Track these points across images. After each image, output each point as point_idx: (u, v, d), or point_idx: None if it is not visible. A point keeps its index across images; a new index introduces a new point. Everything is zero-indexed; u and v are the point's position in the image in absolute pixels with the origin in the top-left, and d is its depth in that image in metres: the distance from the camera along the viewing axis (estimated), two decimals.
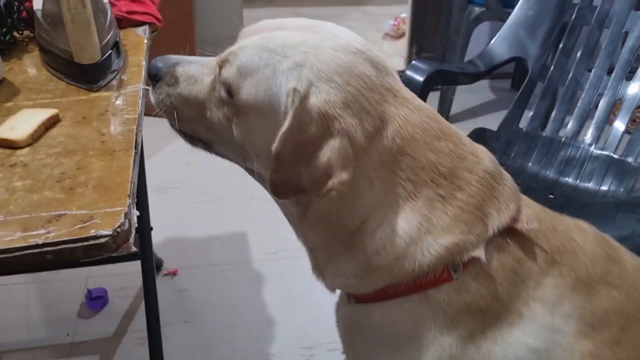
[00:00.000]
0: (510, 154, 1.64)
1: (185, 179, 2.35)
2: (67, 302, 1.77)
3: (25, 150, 0.85)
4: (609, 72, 1.62)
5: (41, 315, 1.74)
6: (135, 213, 0.73)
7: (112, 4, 1.22)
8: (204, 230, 2.09)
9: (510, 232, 0.76)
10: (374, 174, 0.72)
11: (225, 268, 1.94)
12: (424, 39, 3.15)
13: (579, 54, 1.67)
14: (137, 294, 1.79)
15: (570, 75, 1.66)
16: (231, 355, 1.63)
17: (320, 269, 0.82)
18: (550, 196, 1.53)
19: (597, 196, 1.51)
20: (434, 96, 2.81)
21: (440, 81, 1.97)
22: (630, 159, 1.52)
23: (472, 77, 1.72)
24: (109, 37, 1.09)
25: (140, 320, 1.66)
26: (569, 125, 1.64)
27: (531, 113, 1.69)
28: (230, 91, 0.76)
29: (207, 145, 0.85)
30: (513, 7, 1.77)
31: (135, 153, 0.85)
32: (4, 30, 1.15)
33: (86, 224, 0.69)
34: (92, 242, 0.67)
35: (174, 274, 1.89)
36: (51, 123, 0.91)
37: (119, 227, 0.68)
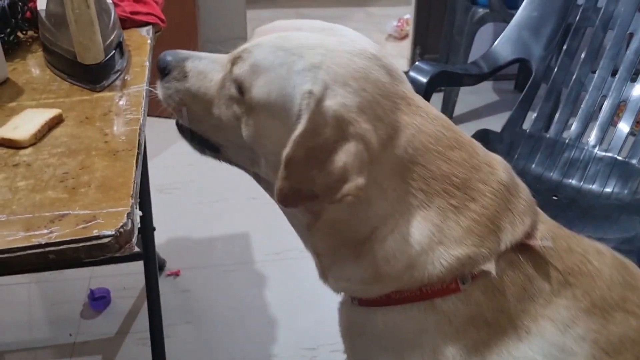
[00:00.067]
0: (514, 156, 1.64)
1: (188, 180, 2.35)
2: (69, 302, 1.77)
3: (29, 150, 0.85)
4: (613, 74, 1.62)
5: (44, 315, 1.74)
6: (138, 213, 0.73)
7: (115, 5, 1.22)
8: (206, 230, 2.09)
9: (523, 247, 0.74)
10: (386, 182, 0.71)
11: (227, 268, 1.94)
12: (427, 40, 3.15)
13: (583, 56, 1.67)
14: (140, 294, 1.79)
15: (574, 76, 1.66)
16: (233, 355, 1.62)
17: (325, 272, 0.81)
18: (554, 198, 1.52)
19: (601, 198, 1.50)
20: (438, 97, 2.81)
21: (444, 82, 1.97)
22: (634, 161, 1.52)
23: (476, 79, 1.72)
24: (112, 37, 1.09)
25: (142, 321, 1.66)
26: (573, 127, 1.63)
27: (535, 114, 1.69)
28: (241, 89, 0.74)
29: (215, 151, 0.83)
30: (517, 8, 1.77)
31: (138, 153, 0.85)
32: (8, 30, 1.15)
33: (89, 224, 0.69)
34: (94, 242, 0.67)
35: (176, 274, 1.89)
36: (54, 123, 0.91)
37: (122, 227, 0.68)
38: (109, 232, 0.67)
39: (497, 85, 3.17)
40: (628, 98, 1.58)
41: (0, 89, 1.03)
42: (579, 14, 1.68)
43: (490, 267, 0.71)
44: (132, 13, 1.30)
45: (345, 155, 0.66)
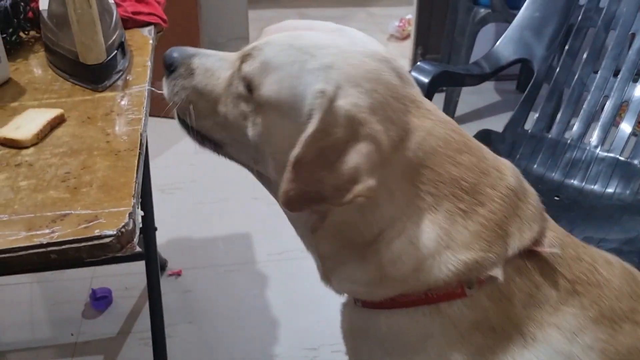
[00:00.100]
0: (516, 156, 1.64)
1: (190, 180, 2.35)
2: (71, 302, 1.77)
3: (31, 150, 0.85)
4: (615, 74, 1.61)
5: (45, 315, 1.74)
6: (140, 213, 0.73)
7: (117, 5, 1.22)
8: (208, 230, 2.10)
9: (530, 254, 0.73)
10: (395, 185, 0.70)
11: (229, 269, 1.94)
12: (429, 41, 3.15)
13: (585, 56, 1.66)
14: (142, 294, 1.79)
15: (576, 76, 1.66)
16: (235, 355, 1.62)
17: (327, 274, 0.80)
18: (556, 198, 1.52)
19: (603, 198, 1.50)
20: (439, 97, 2.81)
21: (446, 82, 1.97)
22: (636, 161, 1.51)
23: (478, 79, 1.72)
24: (114, 37, 1.09)
25: (144, 321, 1.66)
26: (575, 127, 1.63)
27: (537, 115, 1.68)
28: (250, 87, 0.73)
29: (216, 145, 0.82)
30: (519, 8, 1.76)
31: (140, 153, 0.85)
32: (10, 30, 1.15)
33: (91, 223, 0.69)
34: (96, 242, 0.67)
35: (178, 274, 1.89)
36: (56, 123, 0.91)
37: (124, 227, 0.68)
38: (111, 232, 0.67)
39: (499, 85, 3.17)
40: (630, 98, 1.58)
41: (2, 88, 1.03)
42: (581, 14, 1.68)
43: (498, 272, 0.70)
44: (134, 13, 1.30)
45: (356, 155, 0.65)
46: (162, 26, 1.34)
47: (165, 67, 0.81)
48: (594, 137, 1.60)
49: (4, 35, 1.12)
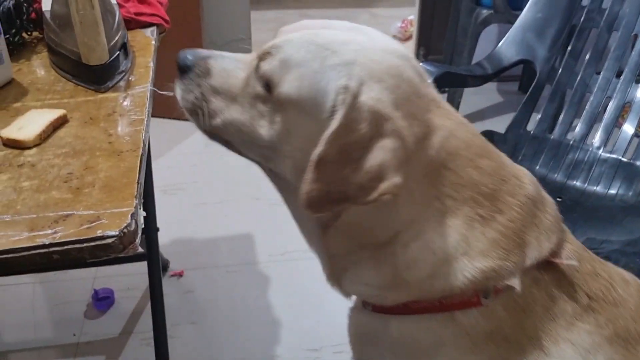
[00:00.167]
0: (518, 157, 1.64)
1: (192, 180, 2.35)
2: (73, 302, 1.77)
3: (33, 151, 0.85)
4: (618, 75, 1.61)
5: (48, 315, 1.75)
6: (142, 214, 0.73)
7: (120, 5, 1.22)
8: (210, 231, 2.10)
9: (547, 265, 0.72)
10: (416, 185, 0.68)
11: (231, 269, 1.94)
12: (431, 41, 3.14)
13: (587, 57, 1.66)
14: (144, 294, 1.79)
15: (578, 77, 1.65)
16: (236, 356, 1.62)
17: (336, 274, 0.78)
18: (558, 199, 1.51)
19: (605, 199, 1.50)
20: (441, 98, 2.80)
21: (448, 83, 1.96)
22: (639, 163, 1.51)
23: (480, 80, 1.72)
24: (117, 38, 1.09)
25: (146, 321, 1.66)
26: (577, 128, 1.63)
27: (539, 116, 1.68)
28: (269, 85, 0.71)
29: (227, 141, 0.79)
30: (521, 9, 1.76)
31: (142, 154, 0.85)
32: (13, 31, 1.15)
33: (93, 224, 0.69)
34: (98, 242, 0.67)
35: (180, 274, 1.89)
36: (59, 123, 0.92)
37: (126, 227, 0.68)
38: (113, 233, 0.67)
39: (501, 86, 3.16)
40: (633, 99, 1.58)
41: (5, 89, 1.03)
42: (584, 15, 1.68)
43: (515, 282, 0.69)
44: (136, 14, 1.30)
45: (381, 152, 0.63)
46: (165, 27, 1.35)
47: (179, 68, 0.79)
48: (597, 138, 1.60)
49: (7, 36, 1.12)
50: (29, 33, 1.22)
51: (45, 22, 1.14)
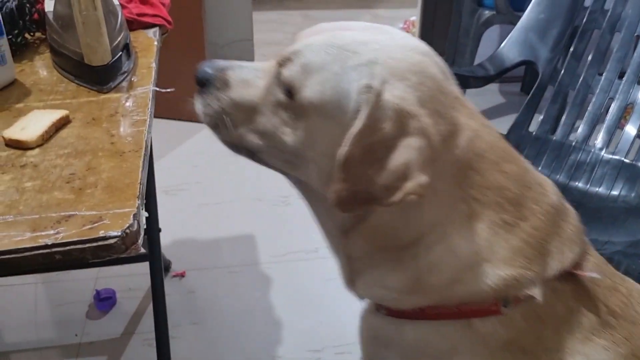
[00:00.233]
0: None
1: (194, 181, 2.35)
2: (75, 302, 1.78)
3: (36, 151, 0.85)
4: (620, 76, 1.61)
5: (50, 315, 1.75)
6: (144, 214, 0.73)
7: (122, 6, 1.23)
8: (212, 232, 2.10)
9: (567, 276, 0.71)
10: (442, 185, 0.66)
11: (233, 270, 1.94)
12: (433, 42, 3.09)
13: (590, 58, 1.66)
14: (146, 295, 1.79)
15: (581, 79, 1.65)
16: (238, 356, 1.62)
17: (353, 276, 0.77)
18: None
19: (608, 201, 1.50)
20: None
21: None
22: None
23: (482, 81, 1.72)
24: (119, 39, 1.09)
25: (148, 321, 1.67)
26: (580, 130, 1.63)
27: (541, 117, 1.68)
28: (291, 91, 0.69)
29: (251, 153, 0.78)
30: (523, 10, 1.76)
31: (145, 154, 0.85)
32: (16, 32, 1.15)
33: (95, 224, 0.69)
34: (101, 242, 0.67)
35: (182, 275, 1.89)
36: (61, 124, 0.92)
37: (128, 228, 0.68)
38: (115, 233, 0.67)
39: (503, 87, 3.16)
40: (635, 101, 1.57)
41: (7, 90, 1.04)
42: (586, 16, 1.68)
43: (536, 292, 0.68)
44: (138, 15, 1.30)
45: (406, 151, 0.62)
46: (167, 28, 1.35)
47: (198, 82, 0.77)
48: (599, 140, 1.60)
49: (10, 37, 1.12)
50: (31, 34, 1.22)
51: (47, 23, 1.14)
